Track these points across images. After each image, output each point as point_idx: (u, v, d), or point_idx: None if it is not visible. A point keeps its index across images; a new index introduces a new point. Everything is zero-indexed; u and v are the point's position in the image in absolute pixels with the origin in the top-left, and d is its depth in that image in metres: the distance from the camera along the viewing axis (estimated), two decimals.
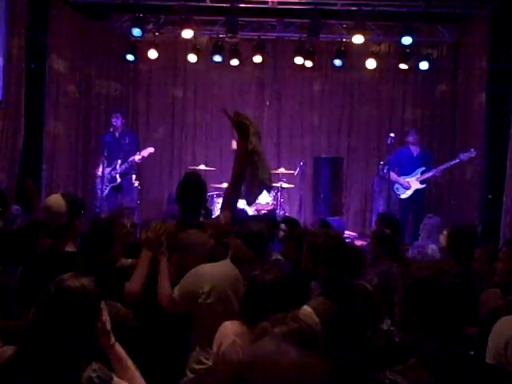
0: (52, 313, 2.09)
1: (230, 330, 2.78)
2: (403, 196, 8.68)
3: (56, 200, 3.01)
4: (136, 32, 8.94)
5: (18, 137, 7.80)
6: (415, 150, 8.81)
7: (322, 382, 1.36)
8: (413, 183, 8.63)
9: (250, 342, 2.63)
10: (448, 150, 10.19)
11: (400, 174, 8.70)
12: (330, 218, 8.15)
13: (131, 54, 9.71)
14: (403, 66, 9.74)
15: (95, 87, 10.46)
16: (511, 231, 7.30)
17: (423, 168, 8.59)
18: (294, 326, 2.14)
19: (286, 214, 9.09)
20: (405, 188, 8.65)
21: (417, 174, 8.62)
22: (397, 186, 8.69)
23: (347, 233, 8.61)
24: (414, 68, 9.81)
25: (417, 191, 8.64)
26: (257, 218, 5.54)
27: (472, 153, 8.23)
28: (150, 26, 9.59)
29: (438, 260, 2.63)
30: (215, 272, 3.26)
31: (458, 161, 8.44)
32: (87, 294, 2.14)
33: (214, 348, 2.81)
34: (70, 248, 3.02)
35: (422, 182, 8.63)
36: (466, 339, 1.96)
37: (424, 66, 9.61)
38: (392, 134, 8.29)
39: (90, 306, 2.15)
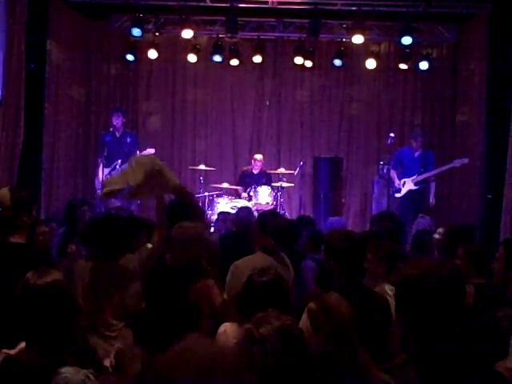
0: (23, 314, 2.07)
1: (229, 332, 2.79)
2: (397, 195, 8.69)
3: (1, 194, 3.04)
4: (136, 32, 8.93)
5: (18, 136, 7.79)
6: (417, 150, 8.76)
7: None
8: (407, 184, 8.61)
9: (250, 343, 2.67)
10: (448, 149, 10.20)
11: (402, 175, 8.69)
12: (331, 218, 8.16)
13: (131, 54, 9.70)
14: (403, 66, 9.74)
15: (95, 87, 10.46)
16: (511, 231, 7.29)
17: (422, 170, 8.57)
18: (277, 325, 2.13)
19: (286, 214, 9.10)
20: (395, 191, 8.65)
21: (413, 175, 8.60)
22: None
23: None
24: (414, 68, 9.81)
25: (412, 192, 8.60)
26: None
27: (465, 160, 8.35)
28: (150, 26, 9.59)
29: (427, 259, 2.62)
30: (255, 263, 3.37)
31: (451, 166, 8.51)
32: (56, 290, 2.11)
33: None
34: (16, 240, 3.05)
35: (416, 184, 8.58)
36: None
37: (424, 65, 9.60)
38: (392, 134, 8.29)
39: (62, 302, 2.12)
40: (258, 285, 2.77)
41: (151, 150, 8.74)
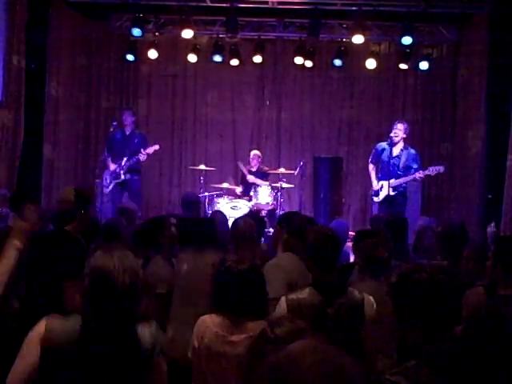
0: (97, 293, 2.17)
1: (209, 322, 2.84)
2: (375, 199, 8.11)
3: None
4: (136, 32, 8.93)
5: (18, 137, 7.80)
6: (395, 146, 7.89)
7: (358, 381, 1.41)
8: (385, 189, 7.87)
9: (231, 332, 2.75)
10: (448, 150, 10.21)
11: (381, 174, 8.02)
12: (335, 220, 8.13)
13: (131, 54, 9.70)
14: (403, 66, 9.73)
15: (95, 87, 10.47)
16: (511, 231, 7.30)
17: (399, 173, 7.80)
18: (290, 327, 2.17)
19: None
20: (373, 194, 8.12)
21: (391, 178, 7.81)
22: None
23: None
24: (414, 68, 9.81)
25: (390, 197, 7.83)
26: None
27: (441, 169, 7.67)
28: (150, 26, 9.59)
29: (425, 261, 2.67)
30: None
31: (426, 173, 7.67)
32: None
33: (195, 342, 2.85)
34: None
35: (394, 189, 7.81)
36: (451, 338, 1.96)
37: (424, 65, 9.60)
38: (392, 134, 8.25)
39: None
40: (235, 273, 2.83)
41: (156, 147, 8.52)
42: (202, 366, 2.82)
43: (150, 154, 8.55)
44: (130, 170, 8.61)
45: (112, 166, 8.62)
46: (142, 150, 8.49)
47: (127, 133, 8.74)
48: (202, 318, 2.89)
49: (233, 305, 2.80)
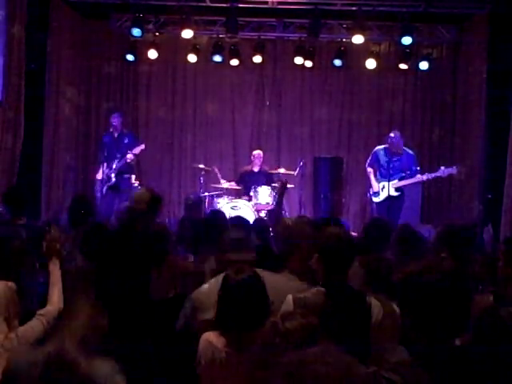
0: None
1: (213, 339, 2.72)
2: (375, 199, 8.23)
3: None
4: (136, 32, 8.92)
5: (18, 137, 7.79)
6: (396, 154, 8.10)
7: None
8: (386, 189, 7.96)
9: (237, 348, 2.62)
10: (448, 150, 10.21)
11: (380, 176, 8.17)
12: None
13: (131, 54, 9.69)
14: (403, 66, 9.73)
15: (95, 87, 10.47)
16: (511, 231, 7.30)
17: (402, 174, 7.99)
18: (302, 321, 2.18)
19: (286, 214, 9.09)
20: (373, 195, 8.23)
21: (394, 180, 7.98)
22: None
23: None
24: (414, 68, 9.81)
25: (392, 197, 7.96)
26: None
27: (454, 170, 7.80)
28: (150, 26, 9.59)
29: (431, 259, 2.62)
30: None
31: (437, 175, 7.89)
32: None
33: (202, 360, 2.71)
34: None
35: (396, 190, 7.98)
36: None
37: (424, 66, 9.60)
38: (392, 134, 8.25)
39: None
40: (235, 284, 2.72)
41: (141, 146, 8.72)
42: (211, 381, 2.73)
43: (137, 154, 8.62)
44: (119, 172, 8.62)
45: (101, 172, 8.64)
46: (128, 151, 8.51)
47: (116, 135, 8.76)
48: (206, 334, 2.75)
49: (236, 321, 2.64)
